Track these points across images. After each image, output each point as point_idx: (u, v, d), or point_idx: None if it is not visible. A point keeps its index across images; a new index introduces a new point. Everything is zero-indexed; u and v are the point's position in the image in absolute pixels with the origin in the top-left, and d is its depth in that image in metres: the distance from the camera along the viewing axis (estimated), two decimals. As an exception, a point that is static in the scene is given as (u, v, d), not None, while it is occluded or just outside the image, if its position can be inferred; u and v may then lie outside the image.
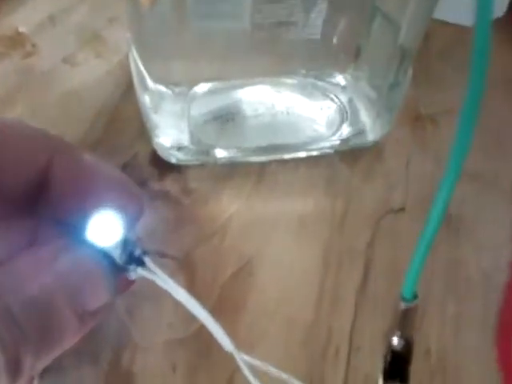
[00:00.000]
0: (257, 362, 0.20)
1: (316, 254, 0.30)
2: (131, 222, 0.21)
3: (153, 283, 0.21)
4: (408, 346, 0.19)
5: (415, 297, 0.18)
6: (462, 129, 0.14)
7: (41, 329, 0.17)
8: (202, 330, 0.26)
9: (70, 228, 0.20)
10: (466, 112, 0.14)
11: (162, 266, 0.21)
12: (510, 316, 0.15)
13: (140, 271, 0.21)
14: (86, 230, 0.19)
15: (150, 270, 0.21)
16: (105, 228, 0.19)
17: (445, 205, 0.15)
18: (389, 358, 0.20)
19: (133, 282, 0.22)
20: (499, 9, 0.47)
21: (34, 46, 0.41)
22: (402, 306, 0.18)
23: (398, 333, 0.19)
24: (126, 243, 0.20)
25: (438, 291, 0.29)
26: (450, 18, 0.46)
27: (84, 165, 0.21)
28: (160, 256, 0.28)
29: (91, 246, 0.20)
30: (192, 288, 0.27)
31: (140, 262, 0.21)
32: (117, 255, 0.20)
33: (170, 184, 0.32)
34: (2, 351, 0.16)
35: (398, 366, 0.20)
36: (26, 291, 0.17)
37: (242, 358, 0.20)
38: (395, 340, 0.19)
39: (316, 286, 0.29)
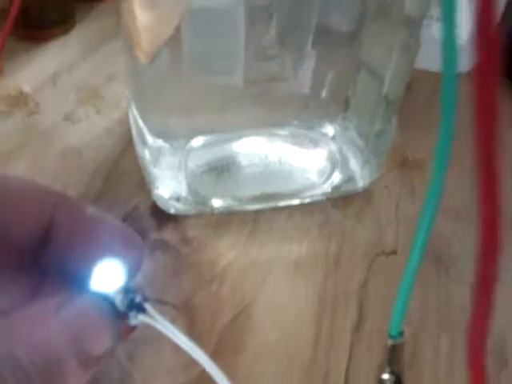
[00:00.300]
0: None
1: (312, 296, 0.31)
2: (132, 270, 0.22)
3: (153, 330, 0.21)
4: (398, 381, 0.20)
5: (401, 334, 0.19)
6: (436, 169, 0.15)
7: (45, 374, 0.18)
8: (203, 374, 0.26)
9: (73, 278, 0.21)
10: (439, 153, 0.15)
11: (162, 313, 0.22)
12: (479, 324, 0.16)
13: (141, 317, 0.22)
14: (89, 278, 0.20)
15: (150, 316, 0.22)
16: (107, 276, 0.20)
17: (423, 247, 0.16)
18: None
19: (134, 328, 0.23)
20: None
21: (36, 104, 0.43)
22: (390, 342, 0.19)
23: (389, 369, 0.20)
24: (127, 291, 0.21)
25: (431, 330, 0.30)
26: (433, 67, 0.48)
27: (86, 217, 0.22)
28: (160, 303, 0.29)
29: (94, 295, 0.21)
30: (191, 333, 0.28)
31: (141, 309, 0.22)
32: (118, 302, 0.21)
33: (169, 233, 0.34)
34: (7, 395, 0.17)
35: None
36: (31, 338, 0.18)
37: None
38: (386, 376, 0.20)
39: (312, 326, 0.29)
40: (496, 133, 0.12)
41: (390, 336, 0.19)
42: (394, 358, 0.19)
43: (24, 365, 0.17)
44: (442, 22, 0.14)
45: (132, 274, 0.22)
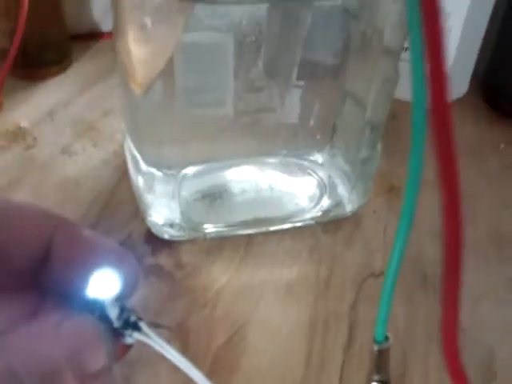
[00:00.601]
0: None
1: (303, 318, 0.32)
2: (128, 289, 0.23)
3: (149, 352, 0.22)
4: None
5: (386, 338, 0.20)
6: (407, 197, 0.16)
7: None
8: (197, 394, 0.27)
9: (71, 297, 0.22)
10: (410, 179, 0.16)
11: (157, 335, 0.22)
12: (450, 323, 0.17)
13: (136, 335, 0.22)
14: (86, 295, 0.21)
15: (145, 335, 0.22)
16: (103, 284, 0.21)
17: (399, 259, 0.18)
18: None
19: (130, 347, 0.23)
20: (462, 87, 0.51)
21: (34, 139, 0.44)
22: (375, 347, 0.20)
23: (377, 376, 0.20)
24: (122, 310, 0.22)
25: (420, 347, 0.30)
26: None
27: (83, 239, 0.23)
28: (154, 326, 0.30)
29: (90, 314, 0.21)
30: (186, 355, 0.28)
31: (136, 327, 0.22)
32: (114, 318, 0.22)
33: (163, 259, 0.34)
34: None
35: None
36: (29, 353, 0.19)
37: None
38: (375, 384, 0.21)
39: (304, 347, 0.30)
40: (455, 154, 0.13)
41: (376, 341, 0.20)
42: (381, 364, 0.20)
43: (23, 380, 0.18)
44: (411, 57, 0.15)
45: (127, 292, 0.23)
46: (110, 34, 0.58)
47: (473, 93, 0.53)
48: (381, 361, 0.20)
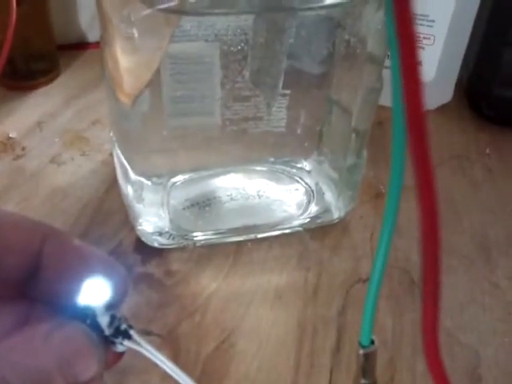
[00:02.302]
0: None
1: (292, 323, 0.32)
2: (118, 297, 0.23)
3: (140, 360, 0.22)
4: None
5: (372, 342, 0.20)
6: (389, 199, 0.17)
7: None
8: (188, 400, 0.27)
9: (61, 306, 0.22)
10: (391, 186, 0.17)
11: (148, 343, 0.22)
12: (431, 324, 0.17)
13: (127, 343, 0.23)
14: (76, 304, 0.21)
15: (136, 342, 0.23)
16: (93, 299, 0.21)
17: (383, 264, 0.18)
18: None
19: (121, 355, 0.24)
20: (447, 94, 0.52)
21: (23, 149, 0.44)
22: (361, 351, 0.20)
23: (364, 380, 0.21)
24: (113, 318, 0.22)
25: (407, 351, 0.31)
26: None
27: (73, 248, 0.23)
28: (145, 334, 0.30)
29: (81, 322, 0.22)
30: (177, 362, 0.28)
31: (126, 335, 0.23)
32: (105, 328, 0.22)
33: (153, 267, 0.35)
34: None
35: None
36: (21, 363, 0.19)
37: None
38: (362, 388, 0.21)
39: (293, 352, 0.31)
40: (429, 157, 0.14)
41: (361, 345, 0.20)
42: (367, 368, 0.21)
43: (14, 387, 0.18)
44: (391, 64, 0.15)
45: (118, 300, 0.23)
46: (97, 44, 0.57)
47: (458, 99, 0.54)
48: (367, 365, 0.20)
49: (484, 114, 0.51)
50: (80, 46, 0.58)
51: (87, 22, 0.58)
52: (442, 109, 0.52)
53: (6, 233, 0.22)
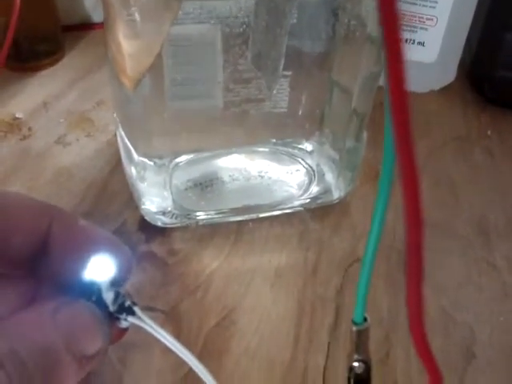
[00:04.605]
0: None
1: (291, 302, 0.33)
2: (122, 276, 0.24)
3: (142, 335, 0.23)
4: (367, 368, 0.22)
5: (365, 320, 0.21)
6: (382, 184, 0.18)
7: (43, 369, 0.20)
8: (189, 374, 0.28)
9: (68, 284, 0.23)
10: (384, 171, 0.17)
11: (151, 318, 0.23)
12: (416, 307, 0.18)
13: (131, 319, 0.23)
14: (82, 282, 0.22)
15: (139, 319, 0.23)
16: (99, 276, 0.22)
17: (377, 242, 0.19)
18: (352, 381, 0.22)
19: (125, 331, 0.25)
20: (450, 75, 0.52)
21: (29, 129, 0.45)
22: (354, 328, 0.21)
23: (357, 356, 0.22)
24: (117, 295, 0.23)
25: (403, 329, 0.32)
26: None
27: (79, 229, 0.24)
28: (148, 310, 0.31)
29: (87, 299, 0.23)
30: (179, 337, 0.29)
31: (130, 312, 0.23)
32: (110, 304, 0.23)
33: (156, 246, 0.36)
34: (11, 389, 0.19)
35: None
36: (30, 337, 0.20)
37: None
38: (356, 364, 0.22)
39: (292, 329, 0.32)
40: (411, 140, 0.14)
41: (354, 323, 0.21)
42: (360, 344, 0.21)
43: (25, 361, 0.19)
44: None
45: (122, 278, 0.24)
46: (101, 25, 0.58)
47: (461, 81, 0.54)
48: (360, 341, 0.21)
49: (486, 95, 0.51)
50: (84, 26, 0.58)
51: (91, 3, 0.58)
52: (445, 90, 0.53)
53: (16, 214, 0.23)
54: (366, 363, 0.22)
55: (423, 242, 0.15)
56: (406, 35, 0.48)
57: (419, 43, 0.48)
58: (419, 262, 0.15)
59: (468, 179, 0.43)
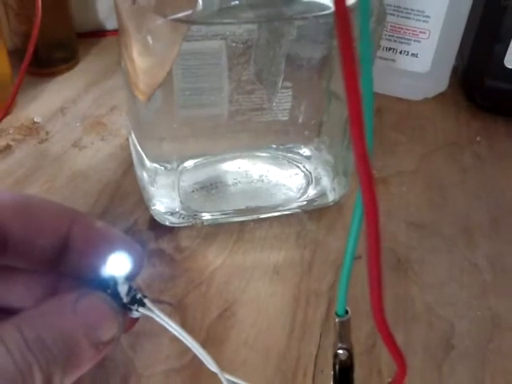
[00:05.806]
0: (238, 381, 0.26)
1: (287, 296, 0.36)
2: (134, 272, 0.27)
3: (151, 324, 0.26)
4: (350, 355, 0.25)
5: (346, 312, 0.24)
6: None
7: (65, 353, 0.23)
8: (194, 360, 0.32)
9: (85, 279, 0.26)
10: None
11: (160, 310, 0.26)
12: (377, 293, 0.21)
13: (141, 310, 0.26)
14: (99, 276, 0.25)
15: (149, 309, 0.26)
16: (115, 272, 0.25)
17: (355, 243, 0.22)
18: (337, 368, 0.25)
19: (136, 321, 0.27)
20: (443, 84, 0.55)
21: (47, 133, 0.48)
22: (337, 320, 0.24)
23: (341, 345, 0.25)
24: (130, 288, 0.26)
25: (389, 321, 0.35)
26: (402, 95, 0.54)
27: (96, 230, 0.27)
28: (157, 302, 0.34)
29: (104, 292, 0.26)
30: (184, 327, 0.32)
31: (141, 303, 0.26)
32: (123, 296, 0.26)
33: (165, 244, 0.39)
34: (39, 371, 0.22)
35: (344, 373, 0.25)
36: (54, 324, 0.23)
37: (226, 378, 0.26)
38: (340, 351, 0.25)
39: (288, 321, 0.35)
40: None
41: (337, 315, 0.24)
42: (343, 334, 0.24)
43: (50, 347, 0.22)
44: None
45: (134, 275, 0.27)
46: (113, 32, 0.61)
47: (453, 89, 0.56)
48: (343, 331, 0.24)
49: (477, 103, 0.54)
50: (98, 33, 0.62)
51: (105, 12, 0.61)
52: (439, 98, 0.55)
53: (40, 218, 0.25)
54: (349, 351, 0.25)
55: (380, 250, 0.18)
56: (400, 47, 0.51)
57: (413, 54, 0.51)
58: (378, 265, 0.18)
59: (456, 182, 0.46)
